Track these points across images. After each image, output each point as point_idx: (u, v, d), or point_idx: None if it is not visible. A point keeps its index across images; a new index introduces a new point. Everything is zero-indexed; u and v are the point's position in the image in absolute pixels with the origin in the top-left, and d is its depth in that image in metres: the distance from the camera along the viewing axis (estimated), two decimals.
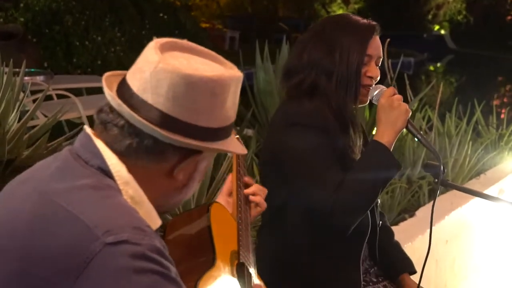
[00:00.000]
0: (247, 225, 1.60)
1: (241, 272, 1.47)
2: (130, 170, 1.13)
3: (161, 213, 1.20)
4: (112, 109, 1.14)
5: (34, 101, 4.39)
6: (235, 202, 1.62)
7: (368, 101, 1.97)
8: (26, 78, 4.72)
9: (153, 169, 1.15)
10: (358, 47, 1.90)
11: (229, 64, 1.21)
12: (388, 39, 4.66)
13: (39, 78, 5.73)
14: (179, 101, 1.11)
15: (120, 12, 10.49)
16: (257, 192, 1.67)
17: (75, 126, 4.38)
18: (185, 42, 1.20)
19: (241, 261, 1.49)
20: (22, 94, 3.25)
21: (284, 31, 15.31)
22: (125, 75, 1.17)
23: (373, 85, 1.93)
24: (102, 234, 1.01)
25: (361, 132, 2.02)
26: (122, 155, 1.13)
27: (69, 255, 1.01)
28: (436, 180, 1.80)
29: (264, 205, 1.68)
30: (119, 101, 1.12)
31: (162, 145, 1.13)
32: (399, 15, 23.31)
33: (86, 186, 1.09)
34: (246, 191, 1.66)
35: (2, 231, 1.10)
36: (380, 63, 1.96)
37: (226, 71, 1.17)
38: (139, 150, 1.13)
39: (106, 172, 1.12)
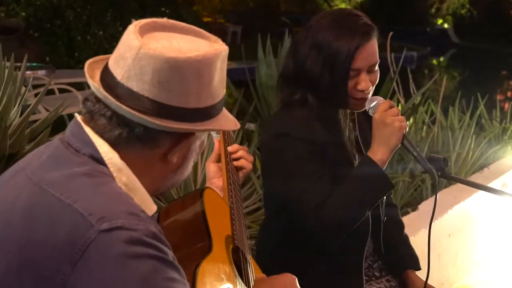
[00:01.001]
0: (240, 209, 1.60)
1: (236, 256, 1.47)
2: (123, 157, 1.12)
3: (157, 196, 1.19)
4: (98, 99, 1.12)
5: (35, 95, 4.39)
6: (225, 187, 1.61)
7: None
8: (27, 72, 4.73)
9: (147, 155, 1.14)
10: (343, 58, 1.76)
11: (212, 37, 1.18)
12: (391, 33, 4.66)
13: (41, 73, 5.73)
14: (166, 86, 1.09)
15: (122, 6, 10.49)
16: (242, 156, 1.68)
17: None
18: (165, 20, 1.17)
19: (236, 245, 1.48)
20: (24, 89, 3.24)
21: (286, 26, 15.28)
22: (107, 61, 1.15)
23: (369, 96, 1.83)
24: (97, 222, 1.01)
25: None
26: (113, 143, 1.12)
27: (65, 244, 1.00)
28: (440, 173, 1.78)
29: (249, 166, 1.69)
30: (105, 93, 1.10)
31: (154, 132, 1.11)
32: (402, 8, 23.24)
33: (79, 174, 1.08)
34: (233, 156, 1.67)
35: None
36: (375, 67, 1.83)
37: (211, 47, 1.14)
38: (130, 139, 1.12)
39: (98, 160, 1.11)
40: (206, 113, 1.15)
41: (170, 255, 1.05)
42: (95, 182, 1.07)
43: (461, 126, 4.49)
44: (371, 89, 1.85)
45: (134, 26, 1.12)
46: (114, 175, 1.11)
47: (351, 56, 1.76)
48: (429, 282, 1.90)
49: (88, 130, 1.12)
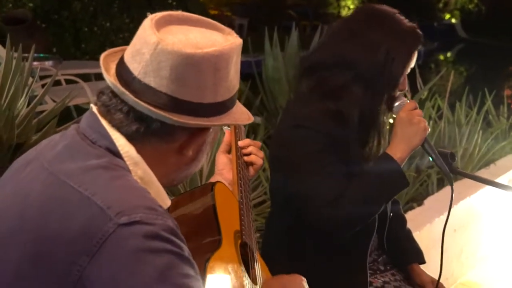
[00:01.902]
0: (248, 204, 1.60)
1: (244, 251, 1.47)
2: (139, 150, 1.12)
3: (170, 187, 1.19)
4: (114, 94, 1.12)
5: (42, 86, 4.40)
6: (235, 182, 1.61)
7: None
8: (35, 63, 4.73)
9: (162, 149, 1.14)
10: (403, 57, 1.78)
11: (226, 29, 1.18)
12: None
13: (48, 63, 5.75)
14: (183, 82, 1.09)
15: None
16: (252, 152, 1.68)
17: (83, 111, 4.38)
18: (179, 13, 1.17)
19: (244, 240, 1.49)
20: (31, 79, 3.25)
21: (293, 19, 15.24)
22: (123, 55, 1.14)
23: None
24: (115, 215, 1.01)
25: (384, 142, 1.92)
26: (129, 138, 1.12)
27: (82, 236, 1.00)
28: (448, 168, 1.78)
29: (260, 161, 1.68)
30: (122, 89, 1.09)
31: (170, 127, 1.12)
32: (410, 3, 23.15)
33: (96, 166, 1.08)
34: (243, 151, 1.67)
35: (11, 213, 1.09)
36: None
37: (226, 41, 1.14)
38: (147, 134, 1.12)
39: (114, 152, 1.11)
40: (222, 107, 1.15)
41: (186, 251, 1.05)
42: (112, 175, 1.07)
43: (468, 122, 4.47)
44: None
45: (150, 21, 1.11)
46: (130, 168, 1.11)
47: (411, 53, 1.79)
48: (434, 277, 1.91)
49: (104, 122, 1.12)
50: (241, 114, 1.21)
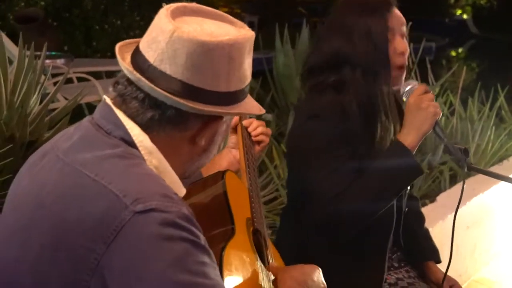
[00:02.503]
0: (257, 190, 1.62)
1: (256, 238, 1.48)
2: (153, 139, 1.13)
3: (183, 179, 1.20)
4: (130, 82, 1.13)
5: (54, 84, 4.41)
6: (244, 170, 1.62)
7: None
8: (47, 61, 4.75)
9: (176, 138, 1.16)
10: (377, 24, 1.78)
11: (239, 23, 1.20)
12: (410, 23, 4.62)
13: (60, 61, 5.76)
14: (198, 69, 1.11)
15: None
16: (263, 132, 1.72)
17: (94, 109, 4.39)
18: (194, 5, 1.19)
19: (255, 227, 1.50)
20: (43, 77, 3.25)
21: (303, 16, 15.21)
22: (138, 44, 1.16)
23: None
24: (131, 203, 1.02)
25: (398, 116, 1.91)
26: (144, 126, 1.13)
27: (99, 224, 1.01)
28: (461, 163, 1.76)
29: (266, 140, 1.73)
30: (138, 75, 1.11)
31: (185, 114, 1.13)
32: None
33: (111, 156, 1.09)
34: (249, 129, 1.71)
35: (31, 203, 1.11)
36: (406, 34, 1.85)
37: (239, 32, 1.16)
38: (162, 122, 1.13)
39: (129, 142, 1.12)
40: (235, 97, 1.17)
41: (202, 238, 1.06)
42: (128, 163, 1.09)
43: (480, 118, 4.45)
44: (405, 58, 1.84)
45: (165, 10, 1.13)
46: (145, 157, 1.12)
47: (384, 15, 1.79)
48: (448, 274, 1.89)
49: (118, 112, 1.13)
50: (252, 106, 1.23)
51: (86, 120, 1.18)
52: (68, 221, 1.04)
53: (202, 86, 1.12)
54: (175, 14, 1.14)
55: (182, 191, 1.18)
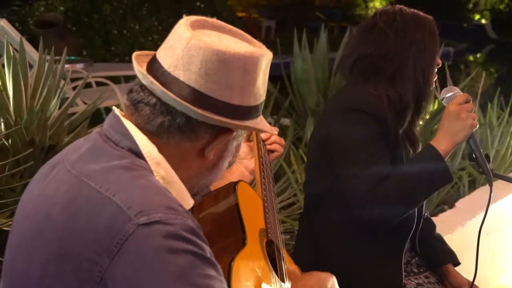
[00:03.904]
0: (273, 200, 1.61)
1: (270, 249, 1.47)
2: (161, 150, 1.13)
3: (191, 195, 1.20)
4: (143, 88, 1.13)
5: (74, 88, 4.45)
6: (258, 181, 1.62)
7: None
8: (66, 65, 4.79)
9: (185, 148, 1.15)
10: (434, 40, 1.89)
11: (257, 43, 1.20)
12: None
13: (79, 66, 5.81)
14: (212, 78, 1.10)
15: (158, 0, 10.56)
16: (276, 141, 1.72)
17: None
18: (214, 20, 1.19)
19: (270, 238, 1.48)
20: (62, 82, 3.28)
21: (321, 20, 15.20)
22: (155, 53, 1.17)
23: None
24: (135, 215, 1.01)
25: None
26: (153, 134, 1.13)
27: (105, 237, 1.01)
28: (481, 169, 1.76)
29: (281, 149, 1.74)
30: (151, 79, 1.11)
31: (195, 123, 1.12)
32: (439, 3, 22.90)
33: (118, 167, 1.09)
34: (263, 137, 1.71)
35: (39, 213, 1.12)
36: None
37: (256, 49, 1.16)
38: (171, 129, 1.12)
39: (137, 153, 1.12)
40: (247, 113, 1.16)
41: (208, 251, 1.05)
42: (133, 175, 1.08)
43: (499, 123, 4.41)
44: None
45: (185, 20, 1.14)
46: (152, 168, 1.12)
47: (436, 35, 1.91)
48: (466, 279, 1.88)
49: (127, 123, 1.13)
50: (265, 124, 1.22)
51: (94, 131, 1.18)
52: (73, 233, 1.04)
53: (215, 96, 1.11)
54: (195, 26, 1.14)
55: (189, 202, 1.16)
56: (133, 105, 1.14)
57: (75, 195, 1.08)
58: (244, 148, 1.72)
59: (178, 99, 1.09)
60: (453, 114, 1.77)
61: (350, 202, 1.81)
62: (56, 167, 1.16)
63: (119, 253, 1.00)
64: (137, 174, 1.09)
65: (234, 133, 1.18)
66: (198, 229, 1.06)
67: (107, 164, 1.09)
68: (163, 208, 1.03)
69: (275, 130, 1.27)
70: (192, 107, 1.10)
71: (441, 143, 1.78)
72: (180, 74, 1.10)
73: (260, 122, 1.20)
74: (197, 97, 1.10)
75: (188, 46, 1.10)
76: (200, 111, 1.10)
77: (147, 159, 1.12)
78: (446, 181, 1.83)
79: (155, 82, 1.11)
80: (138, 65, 1.15)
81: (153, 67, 1.14)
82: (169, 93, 1.10)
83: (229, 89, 1.12)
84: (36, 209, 1.13)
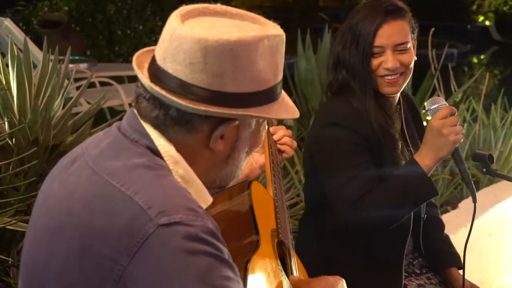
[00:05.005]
0: (283, 199, 1.61)
1: (280, 250, 1.48)
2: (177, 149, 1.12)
3: (214, 189, 1.18)
4: (142, 83, 1.13)
5: (77, 88, 4.46)
6: (269, 179, 1.61)
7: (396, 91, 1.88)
8: (70, 65, 4.80)
9: (189, 141, 1.12)
10: (365, 35, 1.79)
11: (271, 24, 1.15)
12: (433, 29, 4.60)
13: (83, 66, 5.82)
14: (197, 67, 1.06)
15: (162, 1, 10.57)
16: (286, 142, 1.69)
17: (117, 113, 4.43)
18: (218, 6, 1.15)
19: (280, 239, 1.49)
20: (66, 81, 3.29)
21: (325, 21, 15.20)
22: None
23: (402, 78, 1.82)
24: (156, 215, 1.01)
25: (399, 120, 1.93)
26: (154, 126, 1.12)
27: (124, 235, 1.01)
28: (484, 169, 1.76)
29: (291, 152, 1.70)
30: (139, 72, 1.10)
31: (187, 114, 1.09)
32: (443, 5, 22.87)
33: (139, 165, 1.08)
34: (274, 137, 1.68)
35: (60, 209, 1.11)
36: (405, 46, 1.81)
37: (260, 31, 1.10)
38: (167, 121, 1.10)
39: (155, 152, 1.11)
40: (252, 99, 1.09)
41: (226, 253, 1.04)
42: (154, 174, 1.08)
43: (503, 124, 4.40)
44: (408, 71, 1.84)
45: (179, 10, 1.12)
46: (171, 167, 1.11)
47: (372, 33, 1.78)
48: (471, 280, 1.88)
49: (143, 122, 1.13)
50: (279, 110, 1.14)
51: (114, 126, 1.18)
52: (94, 231, 1.04)
53: (203, 85, 1.06)
54: (190, 15, 1.12)
55: (208, 199, 1.15)
56: (136, 98, 1.14)
57: (97, 192, 1.08)
58: None
59: (162, 92, 1.07)
60: (435, 130, 1.71)
61: (335, 213, 1.82)
62: (77, 161, 1.16)
63: (139, 252, 1.00)
64: (158, 174, 1.08)
65: (237, 121, 1.12)
66: (217, 231, 1.05)
67: (128, 161, 1.09)
68: (184, 209, 1.03)
69: (296, 114, 1.18)
70: (175, 99, 1.07)
71: (425, 158, 1.74)
72: (168, 66, 1.08)
73: (272, 107, 1.12)
74: (184, 88, 1.07)
75: (173, 37, 1.07)
76: (184, 102, 1.07)
77: (165, 158, 1.11)
78: (430, 195, 1.80)
79: (142, 76, 1.10)
80: (138, 63, 1.14)
81: (152, 63, 1.13)
82: (153, 86, 1.08)
83: (218, 77, 1.06)
84: (56, 204, 1.13)
